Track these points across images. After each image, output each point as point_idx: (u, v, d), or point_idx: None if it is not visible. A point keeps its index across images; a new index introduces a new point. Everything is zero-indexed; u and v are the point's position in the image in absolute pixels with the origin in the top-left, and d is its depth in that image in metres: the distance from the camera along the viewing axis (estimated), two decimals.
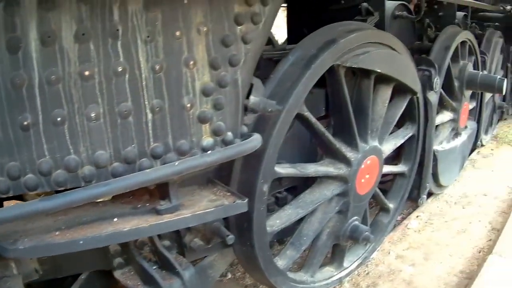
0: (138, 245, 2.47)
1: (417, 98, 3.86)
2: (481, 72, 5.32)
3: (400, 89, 3.64)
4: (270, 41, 2.99)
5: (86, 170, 1.80)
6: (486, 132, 7.38)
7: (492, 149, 7.34)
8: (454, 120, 5.21)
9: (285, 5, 4.75)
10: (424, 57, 4.24)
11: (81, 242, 1.83)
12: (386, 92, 3.41)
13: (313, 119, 2.80)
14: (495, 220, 4.90)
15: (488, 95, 6.54)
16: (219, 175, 2.56)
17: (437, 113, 4.79)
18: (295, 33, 4.31)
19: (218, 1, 1.97)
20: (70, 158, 1.74)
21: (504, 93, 5.48)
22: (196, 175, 2.30)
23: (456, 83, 5.07)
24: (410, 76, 3.59)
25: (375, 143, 3.33)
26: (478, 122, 6.41)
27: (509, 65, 8.13)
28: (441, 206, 5.22)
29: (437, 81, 4.17)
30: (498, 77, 5.21)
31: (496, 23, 7.78)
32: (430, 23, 4.93)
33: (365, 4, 3.69)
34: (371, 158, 3.27)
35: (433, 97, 4.17)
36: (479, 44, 6.39)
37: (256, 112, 2.30)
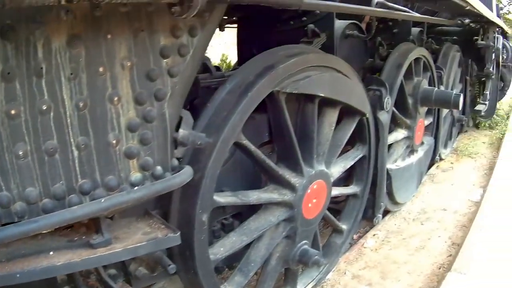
0: (84, 273, 2.49)
1: (367, 118, 3.91)
2: (436, 89, 5.42)
3: (349, 111, 3.69)
4: (208, 68, 2.99)
5: (18, 206, 1.81)
6: (445, 146, 7.50)
7: (452, 163, 7.47)
8: (409, 138, 5.28)
9: (236, 25, 4.80)
10: (375, 77, 4.28)
11: (18, 275, 1.84)
12: (332, 115, 3.45)
13: (252, 147, 2.81)
14: (455, 235, 4.98)
15: (445, 110, 6.64)
16: (160, 205, 2.58)
17: (391, 131, 4.87)
18: (245, 53, 4.35)
19: (143, 35, 1.97)
20: (2, 195, 1.75)
21: (460, 108, 5.56)
22: (134, 206, 2.28)
23: (410, 101, 5.14)
24: (357, 97, 3.65)
25: (322, 167, 3.36)
26: (436, 137, 6.51)
27: (468, 78, 8.28)
28: (398, 223, 5.28)
29: (388, 101, 4.21)
30: (454, 92, 5.32)
31: (455, 37, 7.93)
32: (382, 41, 5.01)
33: (311, 26, 3.74)
34: (317, 182, 3.30)
35: (384, 117, 4.22)
36: (436, 59, 6.51)
37: (186, 145, 2.29)
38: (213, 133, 2.54)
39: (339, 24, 4.33)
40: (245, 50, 4.58)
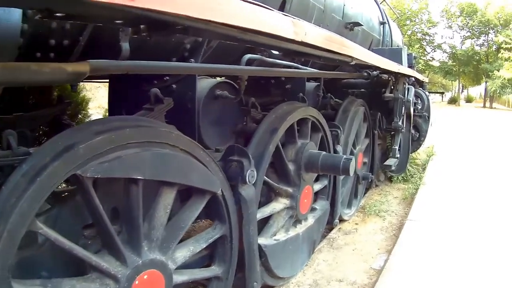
0: None
1: (223, 195, 3.59)
2: (323, 153, 5.16)
3: (196, 189, 3.39)
4: (9, 145, 2.65)
5: None
6: (349, 206, 7.30)
7: (357, 223, 7.24)
8: (292, 208, 4.93)
9: (108, 80, 4.60)
10: (236, 146, 3.88)
11: None
12: (168, 196, 3.13)
13: (52, 236, 2.50)
14: None
15: None
16: None
17: (269, 201, 4.59)
18: (116, 113, 4.20)
19: None
20: None
21: (351, 174, 5.26)
22: None
23: (291, 167, 4.87)
24: (199, 175, 3.32)
25: (155, 255, 3.03)
26: (333, 200, 6.29)
27: (376, 132, 8.18)
28: None
29: (252, 174, 3.81)
30: (344, 157, 5.08)
31: (362, 90, 7.88)
32: (255, 102, 4.72)
33: (154, 90, 3.47)
34: (148, 272, 2.98)
35: (248, 192, 3.86)
36: (335, 116, 6.34)
37: None
38: (2, 221, 2.27)
39: (206, 84, 4.09)
40: (115, 109, 4.42)
